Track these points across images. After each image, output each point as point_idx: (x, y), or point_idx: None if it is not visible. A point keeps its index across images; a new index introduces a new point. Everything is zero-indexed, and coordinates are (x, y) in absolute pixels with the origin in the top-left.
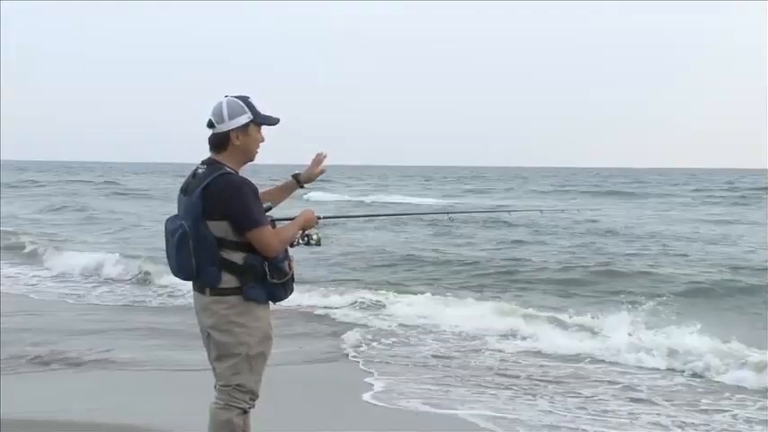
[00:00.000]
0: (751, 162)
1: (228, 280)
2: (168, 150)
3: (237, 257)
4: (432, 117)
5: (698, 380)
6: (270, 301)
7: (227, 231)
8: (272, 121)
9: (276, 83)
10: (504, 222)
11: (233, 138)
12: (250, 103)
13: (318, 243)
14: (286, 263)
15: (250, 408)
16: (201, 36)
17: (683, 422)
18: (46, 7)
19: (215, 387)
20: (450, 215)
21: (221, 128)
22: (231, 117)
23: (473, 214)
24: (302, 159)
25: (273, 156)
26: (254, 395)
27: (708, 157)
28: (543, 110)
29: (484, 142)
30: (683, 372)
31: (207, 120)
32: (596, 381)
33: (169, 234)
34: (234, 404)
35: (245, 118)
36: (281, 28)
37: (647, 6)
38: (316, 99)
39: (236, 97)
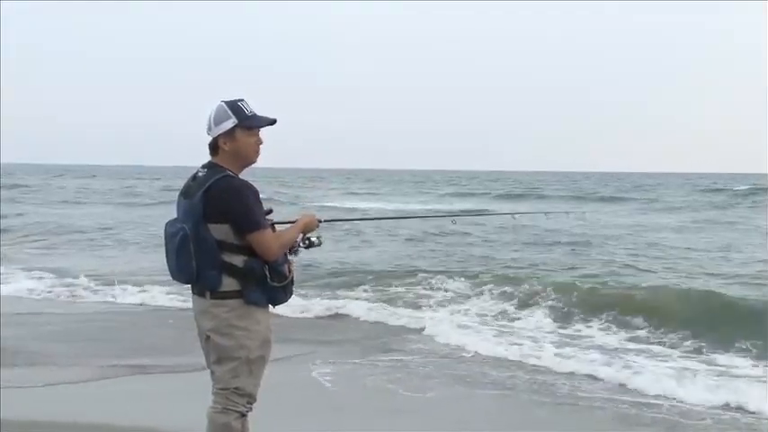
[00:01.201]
0: (751, 165)
1: (229, 283)
2: (169, 151)
3: (238, 260)
4: (432, 117)
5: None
6: (270, 305)
7: (228, 234)
8: (261, 123)
9: (276, 83)
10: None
11: (221, 143)
12: (239, 106)
13: (319, 245)
14: (286, 266)
15: (248, 411)
16: (201, 36)
17: None
18: (46, 7)
19: (213, 391)
20: (453, 219)
21: (211, 134)
22: (216, 123)
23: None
24: (301, 161)
25: (271, 158)
26: (252, 399)
27: (707, 159)
28: (543, 110)
29: (484, 143)
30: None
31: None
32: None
33: (169, 237)
34: (231, 408)
35: (230, 123)
36: (281, 28)
37: (646, 6)
38: (316, 99)
39: (228, 101)
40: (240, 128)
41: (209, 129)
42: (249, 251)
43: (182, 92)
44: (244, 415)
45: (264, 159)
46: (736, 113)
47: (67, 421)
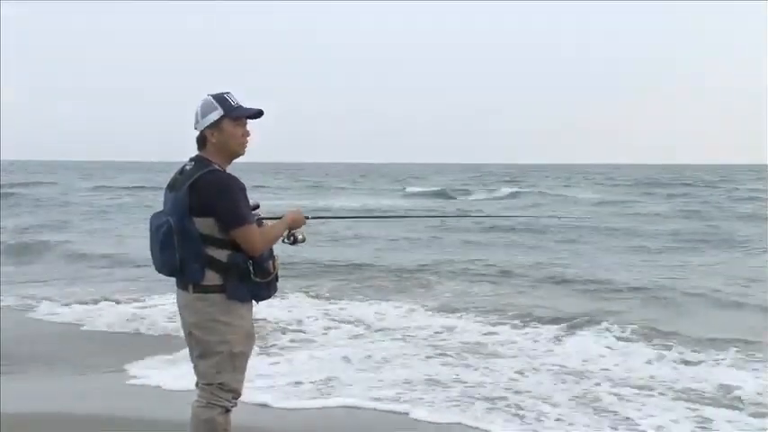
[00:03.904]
0: (750, 157)
1: (212, 277)
2: (169, 149)
3: (222, 255)
4: (432, 117)
5: None
6: (253, 301)
7: (213, 228)
8: (248, 113)
9: (276, 82)
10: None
11: (208, 136)
12: (224, 98)
13: (303, 241)
14: (270, 262)
15: (232, 406)
16: (202, 36)
17: None
18: (46, 7)
19: (196, 385)
20: (442, 219)
21: (198, 127)
22: (203, 115)
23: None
24: (302, 158)
25: (269, 154)
26: (236, 394)
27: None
28: (544, 110)
29: (485, 141)
30: None
31: None
32: None
33: (154, 230)
34: (216, 403)
35: (216, 114)
36: (282, 28)
37: (647, 6)
38: (315, 97)
39: (214, 94)
40: (227, 119)
41: (197, 122)
42: (234, 246)
43: (182, 92)
44: (228, 410)
45: (261, 155)
46: (736, 113)
47: (67, 414)
